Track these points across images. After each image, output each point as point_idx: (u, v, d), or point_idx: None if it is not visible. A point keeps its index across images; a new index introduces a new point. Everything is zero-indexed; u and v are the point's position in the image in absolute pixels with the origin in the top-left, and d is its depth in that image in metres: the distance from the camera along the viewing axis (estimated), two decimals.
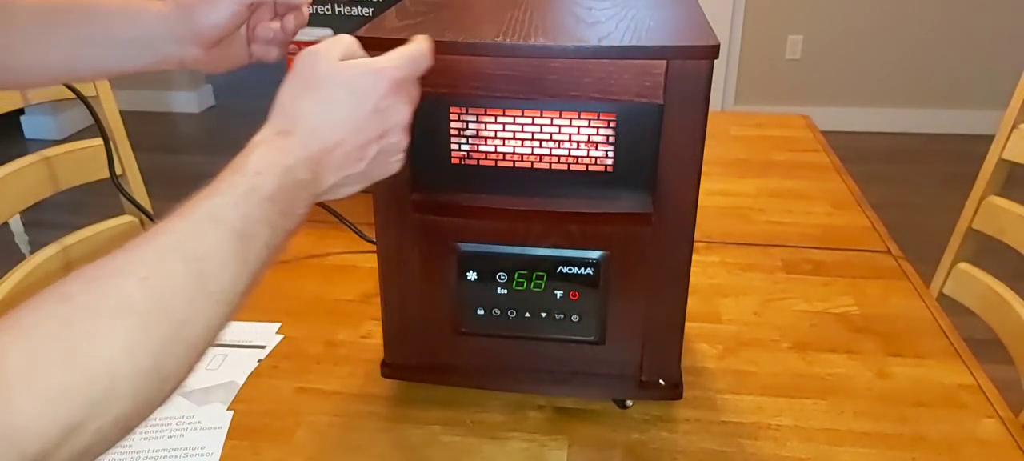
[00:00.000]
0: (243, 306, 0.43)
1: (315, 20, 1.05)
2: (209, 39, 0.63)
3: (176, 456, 0.64)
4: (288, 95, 0.49)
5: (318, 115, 0.48)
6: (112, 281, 0.38)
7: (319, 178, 0.48)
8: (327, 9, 1.13)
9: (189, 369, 0.40)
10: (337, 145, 0.48)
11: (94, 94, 1.12)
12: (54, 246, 1.03)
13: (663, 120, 0.58)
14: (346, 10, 1.13)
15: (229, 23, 0.63)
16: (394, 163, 0.53)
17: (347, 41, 0.51)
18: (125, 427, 0.37)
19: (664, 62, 0.56)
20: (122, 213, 1.14)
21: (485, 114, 0.61)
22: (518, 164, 0.62)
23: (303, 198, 0.47)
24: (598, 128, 0.60)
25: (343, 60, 0.50)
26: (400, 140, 0.52)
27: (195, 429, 0.67)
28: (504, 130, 0.61)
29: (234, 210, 0.42)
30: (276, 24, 0.66)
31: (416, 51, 0.52)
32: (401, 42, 0.59)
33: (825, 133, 1.45)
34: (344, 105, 0.49)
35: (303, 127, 0.47)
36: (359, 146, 0.49)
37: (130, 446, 0.65)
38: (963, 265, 1.08)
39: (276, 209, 0.44)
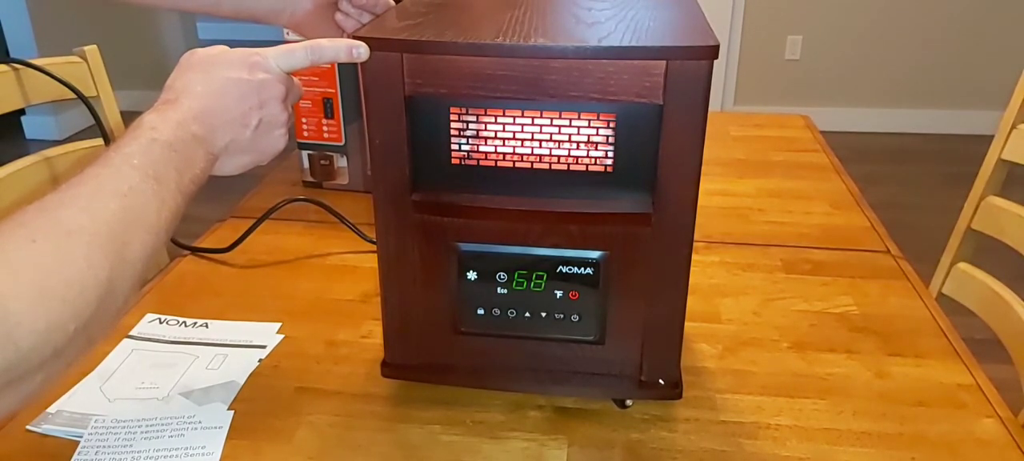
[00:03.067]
0: (165, 241, 0.51)
1: None
2: None
3: (176, 456, 0.64)
4: (173, 78, 0.57)
5: (200, 83, 0.56)
6: (59, 211, 0.44)
7: (211, 136, 0.55)
8: None
9: (132, 288, 0.47)
10: (222, 109, 0.56)
11: (95, 94, 1.12)
12: None
13: (663, 120, 0.58)
14: None
15: None
16: (278, 137, 0.61)
17: (222, 47, 0.60)
18: (89, 336, 0.44)
19: (664, 62, 0.56)
20: None
21: (485, 114, 0.61)
22: (518, 164, 0.62)
23: (200, 154, 0.54)
24: (598, 128, 0.60)
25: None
26: (279, 113, 0.60)
27: (195, 429, 0.67)
28: (504, 130, 0.61)
29: (143, 157, 0.49)
30: None
31: (293, 45, 0.60)
32: (400, 42, 0.59)
33: (824, 133, 1.45)
34: (223, 76, 0.57)
35: (187, 94, 0.55)
36: (242, 112, 0.57)
37: (130, 446, 0.65)
38: (962, 265, 1.08)
39: (178, 157, 0.51)
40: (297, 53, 0.60)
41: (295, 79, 0.63)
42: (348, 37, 0.59)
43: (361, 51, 0.59)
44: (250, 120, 0.58)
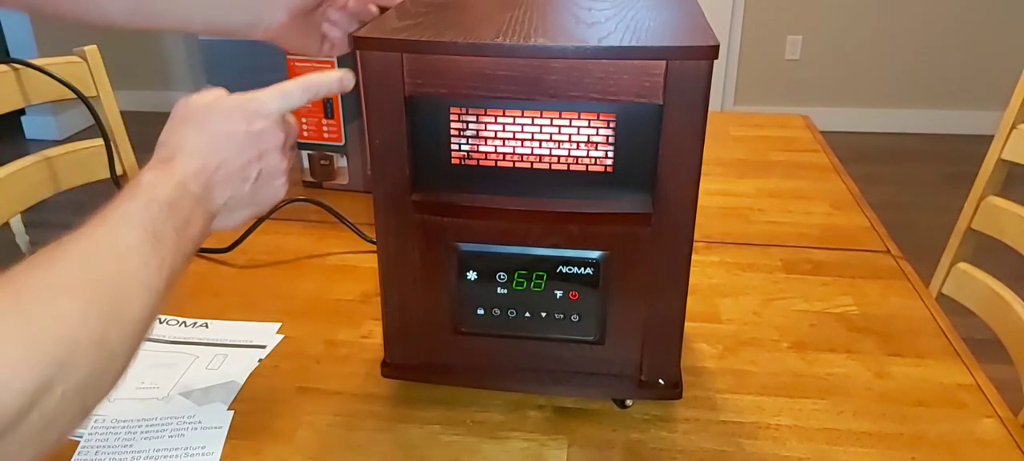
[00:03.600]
0: (165, 304, 0.48)
1: None
2: (298, 3, 0.71)
3: (176, 456, 0.64)
4: (166, 132, 0.55)
5: (196, 139, 0.54)
6: (51, 267, 0.41)
7: (209, 194, 0.53)
8: None
9: (132, 351, 0.44)
10: (219, 165, 0.54)
11: (95, 94, 1.12)
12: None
13: (663, 120, 0.58)
14: None
15: None
16: (278, 187, 0.59)
17: (217, 91, 0.57)
18: (84, 401, 0.41)
19: (664, 62, 0.56)
20: None
21: (485, 114, 0.61)
22: (518, 164, 0.62)
23: (199, 214, 0.52)
24: (598, 128, 0.60)
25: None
26: (279, 162, 0.58)
27: (196, 429, 0.67)
28: (504, 130, 0.61)
29: (142, 215, 0.47)
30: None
31: (288, 85, 0.58)
32: (400, 42, 0.59)
33: (824, 133, 1.45)
34: (219, 129, 0.55)
35: (184, 152, 0.53)
36: (240, 166, 0.55)
37: (130, 446, 0.65)
38: (962, 265, 1.08)
39: (177, 218, 0.49)
40: (294, 93, 0.59)
41: (292, 120, 0.60)
42: (348, 36, 0.59)
43: (347, 81, 0.61)
44: (249, 173, 0.56)
